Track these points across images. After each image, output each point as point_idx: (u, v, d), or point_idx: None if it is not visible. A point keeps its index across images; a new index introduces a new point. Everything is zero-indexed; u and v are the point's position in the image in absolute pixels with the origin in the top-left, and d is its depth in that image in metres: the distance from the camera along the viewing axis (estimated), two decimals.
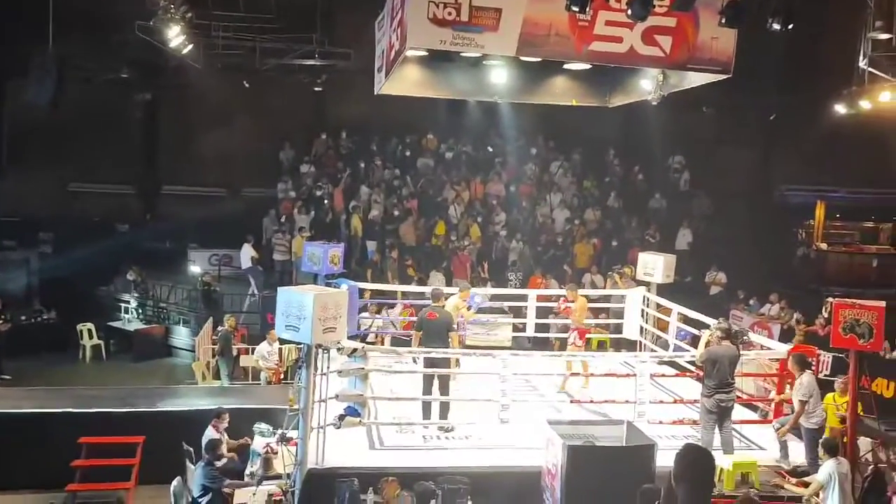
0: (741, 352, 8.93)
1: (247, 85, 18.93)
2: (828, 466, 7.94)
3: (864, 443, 9.53)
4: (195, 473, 8.60)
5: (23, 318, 16.74)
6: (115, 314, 17.40)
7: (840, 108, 16.86)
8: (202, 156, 20.39)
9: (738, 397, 9.09)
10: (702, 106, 19.81)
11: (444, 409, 9.43)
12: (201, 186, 21.10)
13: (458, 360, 10.37)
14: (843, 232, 22.08)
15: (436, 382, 9.49)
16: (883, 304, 8.83)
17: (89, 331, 16.44)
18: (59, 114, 18.36)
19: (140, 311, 17.47)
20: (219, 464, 8.65)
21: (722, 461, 8.01)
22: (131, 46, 17.15)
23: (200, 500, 8.30)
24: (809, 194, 21.70)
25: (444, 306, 10.16)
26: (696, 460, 4.08)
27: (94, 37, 17.31)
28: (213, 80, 18.10)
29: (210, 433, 9.11)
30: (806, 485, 8.06)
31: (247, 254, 17.43)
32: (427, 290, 14.19)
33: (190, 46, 16.36)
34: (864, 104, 16.11)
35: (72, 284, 17.66)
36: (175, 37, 15.58)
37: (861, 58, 15.40)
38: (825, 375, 10.83)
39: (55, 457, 9.76)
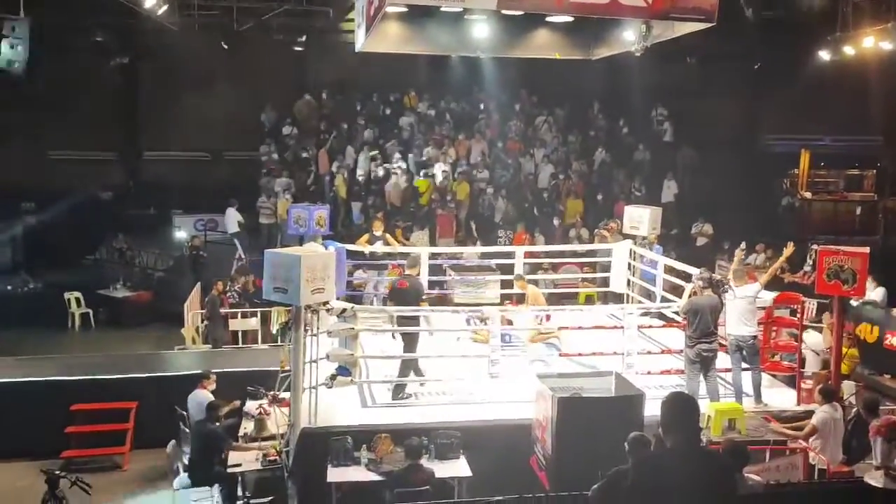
0: (723, 301, 9.02)
1: (225, 46, 18.61)
2: (824, 411, 8.10)
3: (848, 386, 9.72)
4: (193, 435, 8.67)
5: (9, 287, 16.66)
6: (102, 282, 17.32)
7: (824, 55, 16.82)
8: (183, 120, 20.11)
9: (722, 346, 9.20)
10: (685, 56, 19.67)
11: (417, 368, 9.38)
12: (183, 151, 20.88)
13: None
14: (827, 180, 22.21)
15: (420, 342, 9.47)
16: (867, 249, 8.93)
17: (77, 299, 16.39)
18: (35, 82, 18.04)
19: (127, 277, 17.41)
20: (223, 423, 8.74)
21: (707, 409, 8.14)
22: (105, 9, 16.78)
23: (200, 460, 8.37)
24: (794, 143, 21.76)
25: (418, 274, 10.04)
26: (680, 407, 4.15)
27: (66, 0, 16.93)
28: (190, 42, 17.77)
29: (201, 395, 9.15)
30: (799, 429, 8.21)
31: (232, 218, 17.35)
32: (415, 250, 14.27)
33: (165, 7, 16.02)
34: (848, 50, 16.08)
35: (57, 253, 17.55)
36: None
37: (843, 4, 15.33)
38: (810, 321, 10.99)
39: (48, 424, 9.82)
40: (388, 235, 13.30)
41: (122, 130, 21.06)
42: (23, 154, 19.33)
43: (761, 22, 17.74)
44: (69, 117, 19.08)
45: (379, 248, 13.01)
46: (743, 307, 8.94)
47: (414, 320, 9.42)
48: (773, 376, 9.90)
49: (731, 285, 8.99)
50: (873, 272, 12.04)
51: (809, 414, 8.30)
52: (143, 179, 21.23)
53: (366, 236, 13.16)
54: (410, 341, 9.36)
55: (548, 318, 10.83)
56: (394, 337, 9.66)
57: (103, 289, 17.03)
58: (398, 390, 9.21)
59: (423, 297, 9.67)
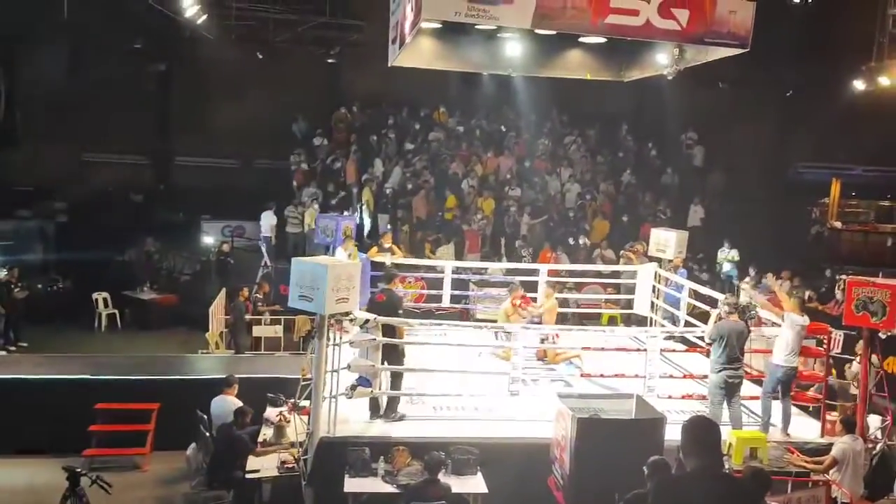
0: (750, 327, 8.93)
1: (260, 56, 18.89)
2: (844, 443, 7.98)
3: (874, 420, 9.55)
4: (217, 439, 8.74)
5: (39, 286, 16.94)
6: (130, 283, 17.55)
7: (858, 84, 16.70)
8: (215, 127, 20.41)
9: (748, 373, 9.10)
10: (717, 81, 19.61)
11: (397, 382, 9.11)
12: (214, 158, 21.16)
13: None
14: (857, 210, 21.94)
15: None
16: None
17: (104, 300, 16.62)
18: (73, 84, 18.44)
19: (154, 280, 17.62)
20: (246, 430, 8.81)
21: (729, 436, 8.05)
22: (145, 16, 17.13)
23: (220, 464, 8.43)
24: (825, 172, 21.55)
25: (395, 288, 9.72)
26: (701, 431, 4.11)
27: (108, 6, 17.30)
28: (226, 52, 18.09)
29: (227, 401, 9.23)
30: (819, 462, 8.09)
31: (268, 221, 17.49)
32: (439, 263, 14.32)
33: (204, 17, 16.32)
34: (883, 80, 15.95)
35: (87, 254, 17.79)
36: (189, 7, 15.55)
37: (880, 33, 15.23)
38: (836, 353, 10.83)
39: (72, 422, 9.92)
40: (394, 246, 13.41)
41: (155, 135, 21.41)
42: (57, 154, 19.70)
43: (795, 48, 17.69)
44: (104, 120, 19.43)
45: (387, 258, 13.04)
46: (800, 336, 8.80)
47: (391, 334, 9.01)
48: (807, 409, 9.73)
49: (788, 313, 8.84)
50: None
51: (832, 447, 8.19)
52: (173, 184, 21.54)
53: (375, 248, 13.29)
54: (396, 356, 9.10)
55: (556, 337, 10.82)
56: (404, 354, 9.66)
57: (130, 290, 17.25)
58: (390, 411, 8.91)
59: (401, 311, 9.34)
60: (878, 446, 8.88)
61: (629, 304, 13.54)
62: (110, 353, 13.48)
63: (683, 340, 11.26)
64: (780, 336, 8.92)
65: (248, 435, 8.79)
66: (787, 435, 8.88)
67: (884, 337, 10.19)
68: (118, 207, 19.72)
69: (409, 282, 14.42)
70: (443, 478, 7.58)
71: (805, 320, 8.83)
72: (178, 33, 17.95)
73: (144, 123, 20.91)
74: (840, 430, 8.21)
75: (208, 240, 18.90)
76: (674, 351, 10.75)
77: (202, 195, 20.12)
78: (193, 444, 8.94)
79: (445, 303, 13.30)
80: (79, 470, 7.40)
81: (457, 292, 13.57)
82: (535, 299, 11.92)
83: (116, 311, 16.64)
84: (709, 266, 17.40)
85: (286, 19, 18.27)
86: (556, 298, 11.75)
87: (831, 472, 7.95)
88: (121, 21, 17.87)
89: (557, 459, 7.60)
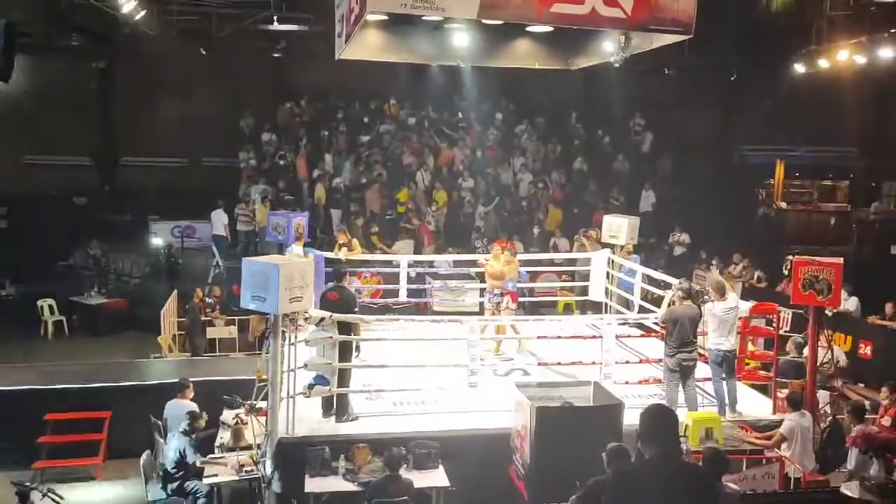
0: (702, 311, 9.07)
1: (204, 52, 18.51)
2: (790, 419, 8.18)
3: (823, 396, 9.81)
4: (170, 444, 8.56)
5: None
6: (77, 289, 17.08)
7: (798, 68, 17.08)
8: (160, 125, 19.94)
9: (701, 355, 9.26)
10: (663, 67, 19.85)
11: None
12: (160, 157, 20.67)
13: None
14: (801, 191, 22.48)
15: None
16: (841, 260, 9.03)
17: (50, 306, 16.13)
18: (9, 84, 17.77)
19: (102, 284, 17.18)
20: (199, 435, 8.63)
21: (685, 418, 8.18)
22: (82, 12, 16.62)
23: (176, 470, 8.26)
24: (769, 154, 22.01)
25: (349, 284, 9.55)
26: (659, 419, 4.16)
27: (42, 2, 16.76)
28: (169, 48, 17.66)
29: (182, 405, 9.05)
30: (769, 438, 8.28)
31: (219, 220, 17.17)
32: (395, 258, 14.25)
33: (143, 12, 15.89)
34: (822, 63, 16.34)
35: (30, 259, 17.27)
36: (126, 2, 15.13)
37: (818, 17, 15.60)
38: (785, 331, 11.07)
39: (20, 435, 9.65)
40: (354, 240, 13.29)
41: (98, 135, 20.81)
42: None
43: (737, 33, 17.98)
44: (44, 121, 18.87)
45: (343, 255, 12.90)
46: (727, 320, 8.97)
47: (346, 331, 8.86)
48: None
49: (712, 299, 9.01)
50: (846, 282, 12.24)
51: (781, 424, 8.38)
52: (119, 185, 20.99)
53: (335, 244, 13.16)
54: (344, 353, 8.90)
55: (514, 298, 11.01)
56: (357, 350, 9.57)
57: (77, 296, 16.79)
58: (342, 413, 8.76)
59: (356, 308, 9.13)
60: (828, 420, 9.13)
61: (584, 290, 13.64)
62: (58, 361, 13.10)
63: (640, 325, 11.39)
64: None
65: (201, 440, 8.62)
66: (739, 413, 9.07)
67: (830, 314, 10.49)
68: (62, 210, 19.13)
69: (366, 276, 14.32)
70: (404, 473, 7.54)
71: (724, 304, 8.94)
72: (118, 29, 17.44)
73: (86, 123, 20.27)
74: (787, 407, 8.41)
75: (157, 241, 18.47)
76: (629, 336, 10.87)
77: (149, 195, 19.61)
78: (148, 451, 8.75)
79: (402, 297, 13.24)
80: (28, 484, 7.19)
81: (414, 286, 13.52)
82: None
83: (63, 318, 16.17)
84: (662, 250, 17.67)
85: (230, 13, 17.91)
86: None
87: (782, 447, 8.14)
88: (56, 17, 17.29)
89: (518, 449, 7.63)
